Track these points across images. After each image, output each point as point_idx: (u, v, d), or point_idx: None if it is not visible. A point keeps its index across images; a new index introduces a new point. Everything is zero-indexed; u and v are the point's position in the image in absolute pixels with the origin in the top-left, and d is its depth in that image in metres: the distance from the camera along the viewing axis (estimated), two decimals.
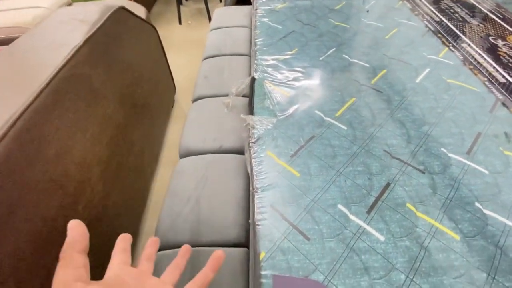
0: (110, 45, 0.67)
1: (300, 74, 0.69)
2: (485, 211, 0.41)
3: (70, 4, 1.02)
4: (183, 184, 0.57)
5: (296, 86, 0.65)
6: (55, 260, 0.23)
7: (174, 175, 0.60)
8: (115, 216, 0.63)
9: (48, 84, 0.46)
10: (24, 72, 0.51)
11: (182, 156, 0.65)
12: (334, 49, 0.76)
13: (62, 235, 0.24)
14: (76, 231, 0.24)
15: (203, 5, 2.07)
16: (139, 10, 1.05)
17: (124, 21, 0.76)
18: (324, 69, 0.70)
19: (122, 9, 0.74)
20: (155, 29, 1.01)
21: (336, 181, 0.46)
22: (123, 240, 0.28)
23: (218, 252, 0.29)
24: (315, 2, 1.00)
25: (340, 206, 0.42)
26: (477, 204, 0.42)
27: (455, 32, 0.80)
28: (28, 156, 0.39)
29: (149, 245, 0.30)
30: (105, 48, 0.65)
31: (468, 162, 0.47)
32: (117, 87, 0.68)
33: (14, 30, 1.14)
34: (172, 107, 1.22)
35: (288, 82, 0.67)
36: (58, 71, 0.48)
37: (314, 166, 0.48)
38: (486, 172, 0.46)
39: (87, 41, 0.58)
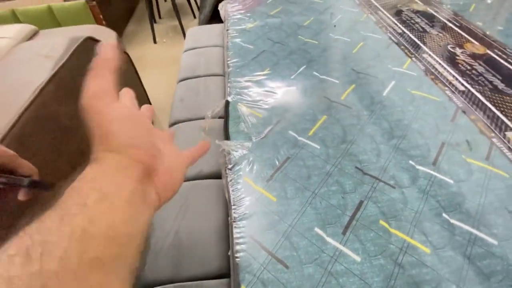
0: (78, 78, 0.66)
1: (273, 95, 0.70)
2: (452, 221, 0.43)
3: (36, 33, 1.00)
4: (162, 216, 0.57)
5: (270, 107, 0.67)
6: None
7: None
8: None
9: (11, 129, 0.45)
10: None
11: None
12: (304, 66, 0.78)
13: None
14: (108, 50, 0.23)
15: (177, 22, 2.08)
16: (109, 35, 1.04)
17: (92, 51, 0.75)
18: (296, 88, 0.71)
19: (89, 39, 0.74)
20: (127, 53, 1.01)
21: (312, 202, 0.47)
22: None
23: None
24: (284, 19, 1.03)
25: (316, 229, 0.43)
26: (444, 215, 0.44)
27: (416, 42, 0.84)
28: None
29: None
30: (73, 82, 0.64)
31: (434, 173, 0.50)
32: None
33: None
34: None
35: (262, 104, 0.68)
36: (22, 114, 0.47)
37: (290, 189, 0.49)
38: (451, 181, 0.48)
39: (52, 78, 0.57)
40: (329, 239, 0.42)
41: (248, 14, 1.07)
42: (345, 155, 0.54)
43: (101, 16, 1.73)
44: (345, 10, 1.05)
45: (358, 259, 0.39)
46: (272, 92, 0.71)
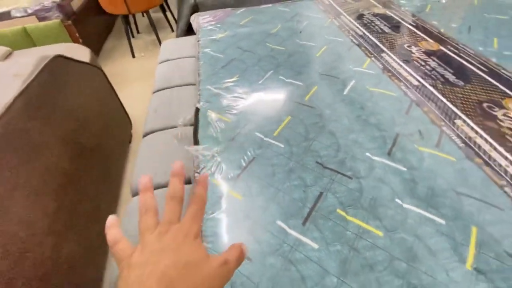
0: (48, 95, 0.67)
1: (241, 100, 0.73)
2: (404, 205, 0.46)
3: (10, 54, 1.00)
4: (135, 224, 0.58)
5: (238, 112, 0.69)
6: None
7: (126, 215, 0.60)
8: (72, 267, 0.61)
9: None
10: None
11: (134, 194, 0.66)
12: (271, 71, 0.82)
13: None
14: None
15: (155, 37, 2.11)
16: (83, 52, 1.05)
17: (62, 68, 0.77)
18: (263, 92, 0.75)
19: (59, 57, 0.75)
20: (100, 69, 1.02)
21: (275, 198, 0.49)
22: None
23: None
24: (253, 28, 1.07)
25: (279, 222, 0.45)
26: (397, 200, 0.47)
27: (376, 43, 0.89)
28: None
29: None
30: (43, 99, 0.65)
31: (389, 162, 0.53)
32: (59, 135, 0.67)
33: None
34: (130, 142, 1.21)
35: (230, 109, 0.70)
36: None
37: (255, 187, 0.51)
38: (404, 169, 0.52)
39: (20, 95, 0.58)
40: (290, 231, 0.44)
41: (219, 25, 1.11)
42: (307, 151, 0.57)
43: (77, 35, 1.74)
44: (311, 16, 1.10)
45: (316, 246, 0.42)
46: (240, 98, 0.74)
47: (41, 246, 0.53)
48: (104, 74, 1.05)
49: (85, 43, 1.71)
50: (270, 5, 1.24)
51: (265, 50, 0.93)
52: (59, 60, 0.76)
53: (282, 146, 0.59)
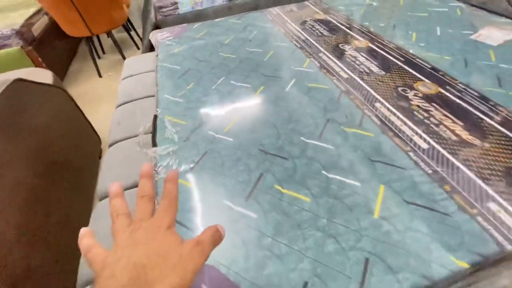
0: (10, 117, 0.72)
1: (196, 104, 0.81)
2: (329, 175, 0.55)
3: None
4: (103, 228, 0.63)
5: (193, 115, 0.77)
6: None
7: (92, 221, 0.65)
8: (44, 275, 0.65)
9: None
10: None
11: (101, 198, 0.71)
12: (223, 77, 0.91)
13: None
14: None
15: (121, 56, 2.16)
16: (46, 75, 1.09)
17: (23, 91, 0.81)
18: (216, 96, 0.83)
19: (19, 80, 0.80)
20: (63, 89, 1.06)
21: (223, 183, 0.57)
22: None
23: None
24: (208, 40, 1.16)
25: (225, 201, 0.53)
26: (323, 172, 0.56)
27: (315, 45, 1.01)
28: None
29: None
30: (4, 120, 0.69)
31: (320, 143, 0.62)
32: (24, 152, 0.72)
33: None
34: (100, 157, 1.25)
35: (186, 113, 0.78)
36: None
37: (206, 177, 0.59)
38: (332, 147, 0.61)
39: None
40: (235, 207, 0.52)
41: (176, 40, 1.19)
42: (253, 142, 0.65)
43: (40, 59, 1.76)
44: (260, 26, 1.21)
45: (255, 216, 0.50)
46: (195, 102, 0.81)
47: (9, 255, 0.57)
48: (68, 94, 1.10)
49: (50, 67, 1.73)
50: (223, 18, 1.35)
51: (218, 59, 1.01)
52: (19, 83, 0.81)
53: (232, 140, 0.67)
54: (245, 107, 0.77)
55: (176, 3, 1.65)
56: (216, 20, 1.34)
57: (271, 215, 0.50)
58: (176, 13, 1.62)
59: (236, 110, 0.76)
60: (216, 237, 0.30)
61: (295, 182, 0.55)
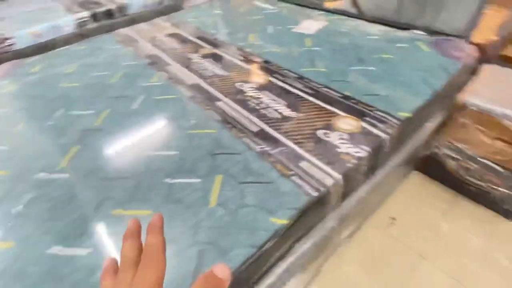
0: None
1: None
2: (171, 181, 0.55)
3: None
4: None
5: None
6: None
7: None
8: None
9: None
10: None
11: None
12: (63, 109, 0.81)
13: None
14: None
15: None
16: None
17: None
18: (54, 131, 0.73)
19: None
20: None
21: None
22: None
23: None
24: (45, 73, 1.03)
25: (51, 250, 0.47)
26: (166, 180, 0.56)
27: (164, 59, 1.02)
28: None
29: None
30: None
31: (164, 152, 0.62)
32: None
33: None
34: None
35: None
36: None
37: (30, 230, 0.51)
38: (177, 152, 0.62)
39: None
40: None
41: (6, 79, 1.02)
42: (91, 171, 0.60)
43: None
44: (108, 48, 1.15)
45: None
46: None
47: None
48: None
49: None
50: (67, 47, 1.22)
51: (57, 92, 0.91)
52: None
53: (68, 175, 0.60)
54: (87, 135, 0.70)
55: (7, 38, 1.41)
56: (57, 49, 1.20)
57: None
58: (12, 49, 1.39)
59: (73, 142, 0.69)
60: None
61: (135, 200, 0.53)
